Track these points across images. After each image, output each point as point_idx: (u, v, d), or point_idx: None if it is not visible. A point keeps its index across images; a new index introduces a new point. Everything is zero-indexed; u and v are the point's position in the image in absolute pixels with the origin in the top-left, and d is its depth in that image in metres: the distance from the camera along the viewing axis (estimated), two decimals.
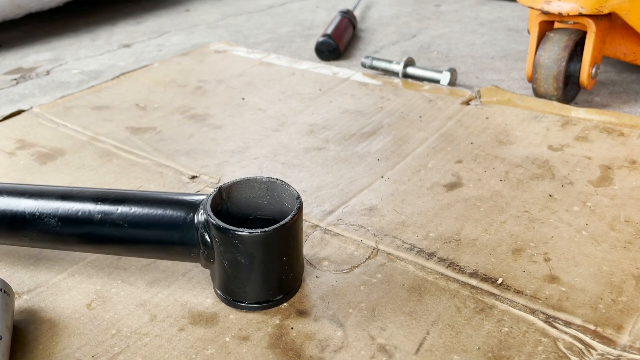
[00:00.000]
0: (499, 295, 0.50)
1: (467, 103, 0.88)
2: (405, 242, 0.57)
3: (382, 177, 0.69)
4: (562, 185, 0.66)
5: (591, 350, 0.44)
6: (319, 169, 0.72)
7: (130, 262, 0.55)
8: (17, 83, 1.11)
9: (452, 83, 1.00)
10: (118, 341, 0.46)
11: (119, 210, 0.48)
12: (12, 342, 0.46)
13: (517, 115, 0.83)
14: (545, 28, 0.91)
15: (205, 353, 0.45)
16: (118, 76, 1.03)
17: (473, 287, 0.51)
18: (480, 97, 0.89)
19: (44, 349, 0.46)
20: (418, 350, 0.45)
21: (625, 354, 0.44)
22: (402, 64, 1.02)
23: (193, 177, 0.70)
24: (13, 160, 0.75)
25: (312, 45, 1.25)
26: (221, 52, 1.15)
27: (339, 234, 0.59)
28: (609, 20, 0.87)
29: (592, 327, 0.46)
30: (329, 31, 1.19)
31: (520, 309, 0.48)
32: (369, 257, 0.56)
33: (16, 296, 0.52)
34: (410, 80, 0.99)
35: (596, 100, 0.95)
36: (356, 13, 1.43)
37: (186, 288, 0.52)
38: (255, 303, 0.49)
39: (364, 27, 1.41)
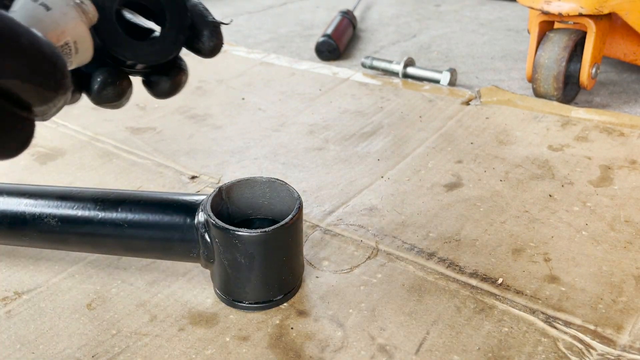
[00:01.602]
0: (499, 295, 0.50)
1: (467, 103, 0.88)
2: (405, 242, 0.57)
3: (382, 177, 0.69)
4: (562, 185, 0.66)
5: (591, 351, 0.44)
6: (319, 169, 0.72)
7: (130, 262, 0.55)
8: None
9: (452, 83, 1.00)
10: (118, 341, 0.46)
11: (119, 211, 0.48)
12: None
13: (517, 115, 0.83)
14: (545, 28, 0.91)
15: (205, 353, 0.45)
16: None
17: (473, 287, 0.51)
18: (480, 97, 0.89)
19: (44, 349, 0.46)
20: (418, 350, 0.45)
21: (625, 354, 0.44)
22: (402, 64, 1.02)
23: (193, 177, 0.70)
24: (13, 160, 0.75)
25: (312, 45, 1.25)
26: (221, 52, 1.15)
27: (339, 234, 0.59)
28: (609, 20, 0.87)
29: (592, 327, 0.46)
30: (329, 31, 1.19)
31: (520, 309, 0.48)
32: (369, 257, 0.56)
33: (16, 296, 0.52)
34: (410, 80, 0.99)
35: (596, 100, 0.95)
36: (356, 13, 1.43)
37: (186, 288, 0.52)
38: (255, 303, 0.49)
39: (364, 27, 1.41)
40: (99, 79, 0.36)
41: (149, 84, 0.39)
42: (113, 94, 0.36)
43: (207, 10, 0.39)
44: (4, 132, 0.23)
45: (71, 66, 0.32)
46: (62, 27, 0.30)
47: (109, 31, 0.34)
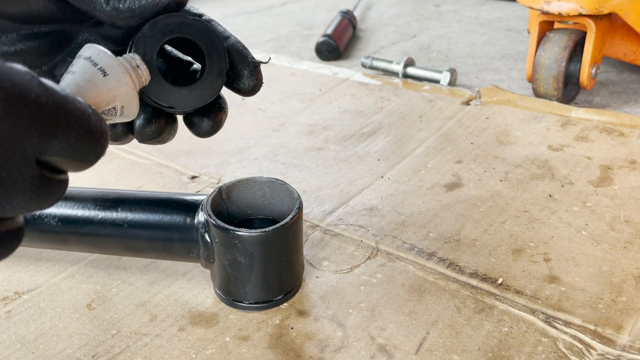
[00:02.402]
0: (499, 295, 0.50)
1: (467, 103, 0.88)
2: (405, 242, 0.57)
3: (382, 177, 0.69)
4: (562, 185, 0.66)
5: (591, 350, 0.44)
6: (319, 169, 0.72)
7: (130, 262, 0.55)
8: None
9: (452, 83, 1.00)
10: (118, 341, 0.46)
11: (119, 211, 0.49)
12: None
13: (517, 115, 0.83)
14: (545, 28, 0.91)
15: (206, 353, 0.45)
16: None
17: (473, 287, 0.51)
18: (480, 97, 0.89)
19: (44, 349, 0.46)
20: (418, 350, 0.45)
21: (625, 354, 0.44)
22: (402, 64, 1.02)
23: (193, 177, 0.71)
24: None
25: (312, 45, 1.25)
26: None
27: (339, 234, 0.59)
28: (609, 20, 0.87)
29: (592, 327, 0.46)
30: (329, 31, 1.19)
31: (520, 309, 0.48)
32: (369, 257, 0.56)
33: (16, 296, 0.52)
34: (410, 80, 0.99)
35: (596, 100, 0.95)
36: (356, 13, 1.43)
37: (186, 288, 0.52)
38: (255, 303, 0.49)
39: (364, 27, 1.41)
40: (139, 119, 0.37)
41: (189, 124, 0.40)
42: (153, 133, 0.38)
43: (246, 49, 0.39)
44: (41, 196, 0.24)
45: (111, 122, 0.33)
46: (114, 93, 0.31)
47: (150, 79, 0.35)
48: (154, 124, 0.37)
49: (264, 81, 0.39)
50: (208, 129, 0.39)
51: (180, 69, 0.40)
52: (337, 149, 0.76)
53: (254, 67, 0.38)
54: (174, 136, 0.40)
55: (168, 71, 0.40)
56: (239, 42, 0.39)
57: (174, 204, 0.49)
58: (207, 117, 0.39)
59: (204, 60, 0.37)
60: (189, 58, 0.41)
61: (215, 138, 0.80)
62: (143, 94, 0.36)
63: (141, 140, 0.38)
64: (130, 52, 0.35)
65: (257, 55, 1.18)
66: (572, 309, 0.48)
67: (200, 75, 0.37)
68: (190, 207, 0.48)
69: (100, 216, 0.49)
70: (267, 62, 0.42)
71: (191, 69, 0.40)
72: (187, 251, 0.49)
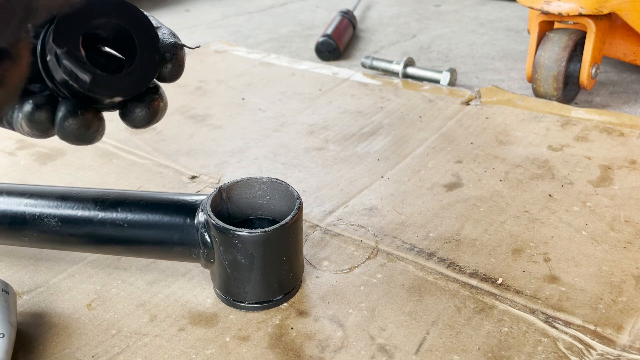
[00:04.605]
0: (499, 295, 0.50)
1: (467, 103, 0.88)
2: (405, 242, 0.57)
3: (382, 177, 0.69)
4: (562, 185, 0.66)
5: (591, 350, 0.44)
6: (319, 169, 0.72)
7: (130, 262, 0.55)
8: None
9: (452, 83, 1.00)
10: (118, 341, 0.46)
11: (119, 211, 0.48)
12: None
13: (517, 115, 0.83)
14: (545, 28, 0.91)
15: (205, 353, 0.45)
16: None
17: (473, 287, 0.51)
18: (480, 97, 0.89)
19: (44, 349, 0.46)
20: (418, 350, 0.45)
21: (625, 354, 0.44)
22: (402, 64, 1.02)
23: (193, 177, 0.71)
24: (13, 160, 0.75)
25: (312, 45, 1.25)
26: (221, 52, 1.15)
27: (339, 234, 0.59)
28: (609, 20, 0.87)
29: (592, 327, 0.46)
30: (329, 31, 1.19)
31: (520, 309, 0.48)
32: (369, 257, 0.56)
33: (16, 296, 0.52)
34: (410, 80, 0.99)
35: (596, 100, 0.95)
36: (356, 13, 1.43)
37: (186, 288, 0.52)
38: (255, 303, 0.49)
39: (364, 27, 1.41)
40: (60, 111, 0.34)
41: (124, 114, 0.37)
42: (76, 126, 0.35)
43: (173, 34, 0.37)
44: None
45: None
46: None
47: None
48: (80, 116, 0.34)
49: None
50: (144, 116, 0.36)
51: (112, 61, 0.38)
52: (337, 149, 0.76)
53: (175, 50, 0.36)
54: (99, 135, 0.37)
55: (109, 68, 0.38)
56: (167, 27, 0.37)
57: (174, 204, 0.49)
58: (143, 104, 0.36)
59: (134, 48, 0.34)
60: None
61: (215, 138, 0.80)
62: (79, 93, 0.33)
63: (62, 136, 0.35)
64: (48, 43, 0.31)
65: (257, 55, 1.18)
66: (572, 309, 0.48)
67: (132, 63, 0.35)
68: (190, 207, 0.48)
69: (100, 216, 0.49)
70: (193, 48, 0.40)
71: (131, 63, 0.38)
72: (187, 251, 0.49)
